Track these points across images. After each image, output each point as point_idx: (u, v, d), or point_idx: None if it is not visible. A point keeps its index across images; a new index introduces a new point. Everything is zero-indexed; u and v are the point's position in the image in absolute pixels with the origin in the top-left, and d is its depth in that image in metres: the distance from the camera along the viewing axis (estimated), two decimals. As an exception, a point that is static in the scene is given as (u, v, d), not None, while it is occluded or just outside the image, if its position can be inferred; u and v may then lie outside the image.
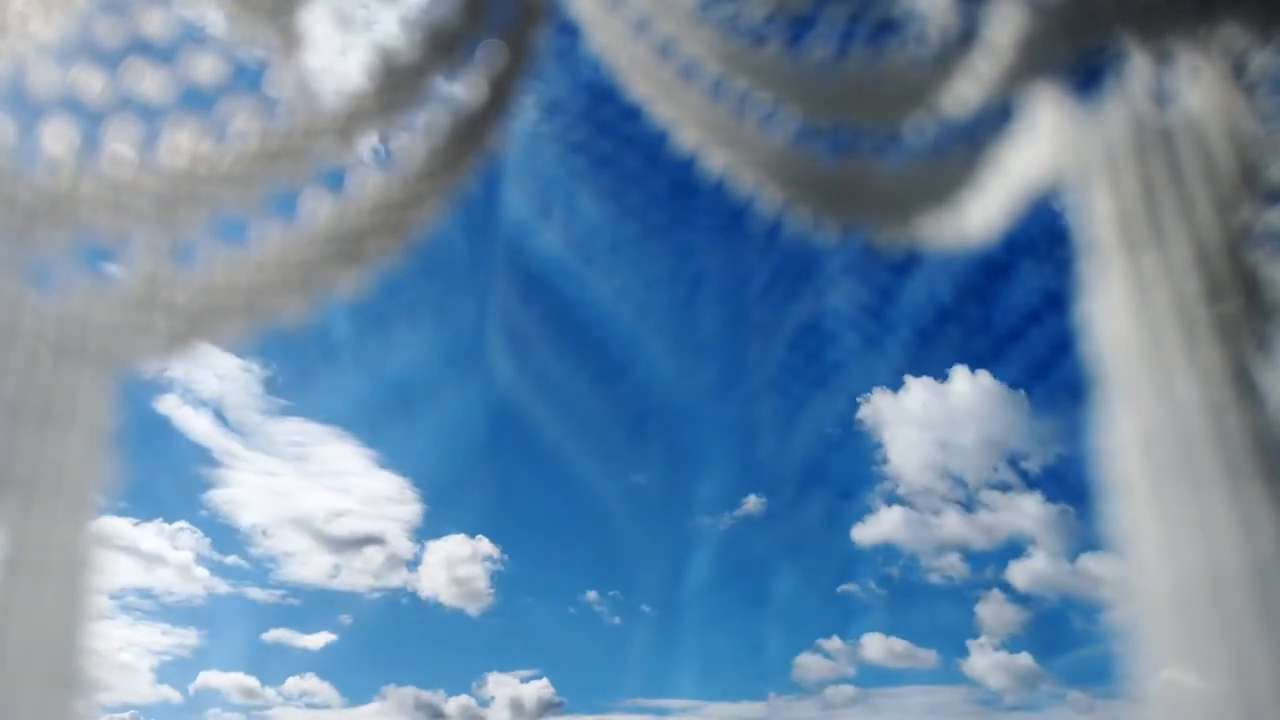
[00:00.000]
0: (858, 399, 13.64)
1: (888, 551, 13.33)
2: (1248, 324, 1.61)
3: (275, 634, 13.10)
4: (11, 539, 1.61)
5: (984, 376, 13.46)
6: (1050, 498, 13.03)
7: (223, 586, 13.09)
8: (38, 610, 1.61)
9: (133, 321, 1.82)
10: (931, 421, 13.56)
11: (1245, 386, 1.57)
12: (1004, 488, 13.24)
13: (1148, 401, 1.61)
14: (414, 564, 13.43)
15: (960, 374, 13.52)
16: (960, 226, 2.05)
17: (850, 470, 13.75)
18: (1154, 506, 1.56)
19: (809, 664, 13.01)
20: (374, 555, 13.42)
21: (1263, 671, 1.42)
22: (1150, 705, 1.52)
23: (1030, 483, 13.11)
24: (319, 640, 13.11)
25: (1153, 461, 1.58)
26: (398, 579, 13.38)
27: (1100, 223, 1.73)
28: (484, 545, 13.45)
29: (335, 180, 2.00)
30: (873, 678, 12.72)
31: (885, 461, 13.63)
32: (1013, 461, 13.25)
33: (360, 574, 13.38)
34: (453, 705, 12.80)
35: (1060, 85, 1.85)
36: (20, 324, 1.72)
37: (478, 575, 13.40)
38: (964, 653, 12.66)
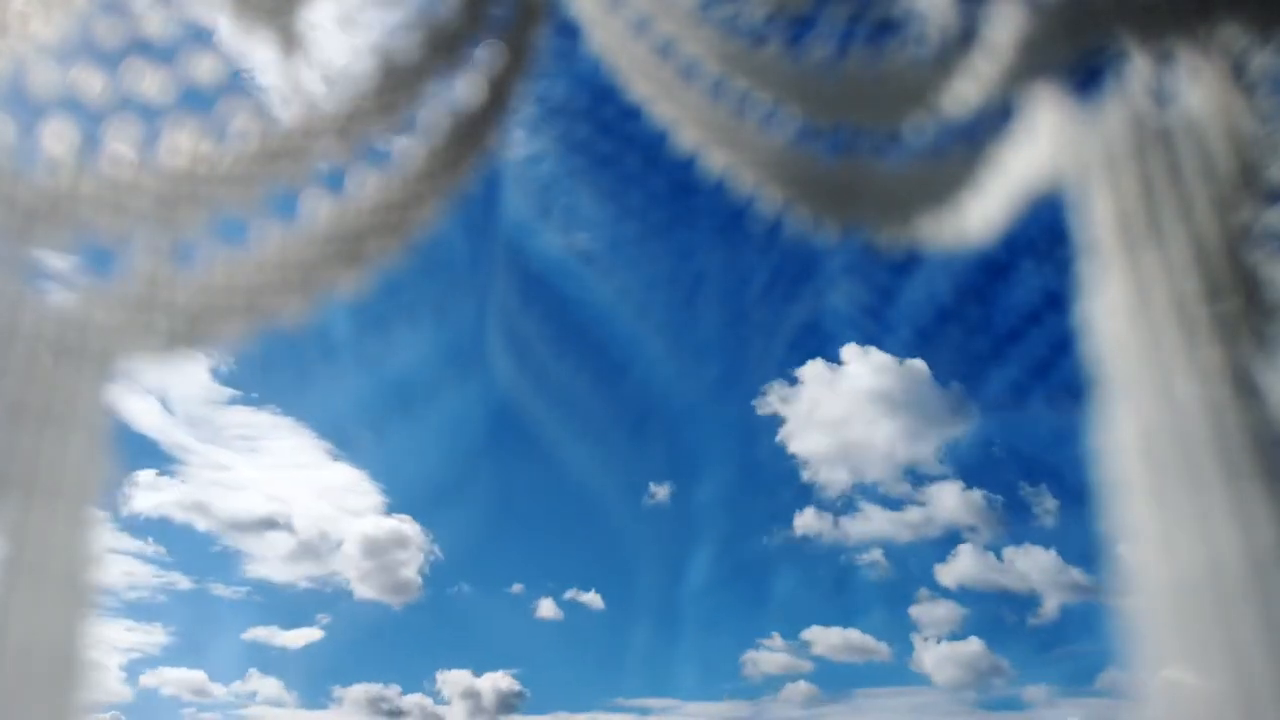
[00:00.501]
0: (753, 394, 13.28)
1: (811, 547, 13.14)
2: (1248, 324, 1.61)
3: (253, 632, 12.98)
4: (11, 539, 1.62)
5: (874, 352, 12.88)
6: (970, 484, 12.88)
7: (185, 583, 12.96)
8: (38, 610, 1.61)
9: (133, 321, 1.82)
10: (834, 408, 12.96)
11: (1245, 386, 1.57)
12: (923, 478, 12.91)
13: (1148, 401, 1.61)
14: (367, 559, 13.26)
15: (852, 353, 12.93)
16: (960, 226, 2.05)
17: (761, 464, 13.52)
18: (1154, 506, 1.56)
19: (760, 661, 12.79)
20: (337, 551, 13.20)
21: (1262, 670, 1.42)
22: (1149, 703, 1.52)
23: (946, 462, 12.85)
24: (299, 638, 12.97)
25: (1153, 461, 1.58)
26: (357, 575, 13.23)
27: (1100, 223, 1.73)
28: (426, 539, 13.25)
29: (335, 180, 2.00)
30: (829, 674, 12.56)
31: (794, 456, 13.17)
32: (929, 443, 12.93)
33: (322, 570, 13.22)
34: (408, 702, 12.63)
35: (1060, 85, 1.85)
36: (20, 324, 1.72)
37: (412, 567, 13.18)
38: (910, 647, 12.48)
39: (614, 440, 13.71)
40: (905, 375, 12.91)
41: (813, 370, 13.09)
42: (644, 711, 12.40)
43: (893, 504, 12.84)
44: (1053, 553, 12.37)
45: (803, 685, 12.30)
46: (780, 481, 13.23)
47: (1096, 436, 1.67)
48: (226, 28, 2.00)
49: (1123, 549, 1.60)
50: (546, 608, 13.03)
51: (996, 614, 12.40)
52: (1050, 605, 12.21)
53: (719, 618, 13.05)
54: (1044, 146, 1.84)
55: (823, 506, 13.01)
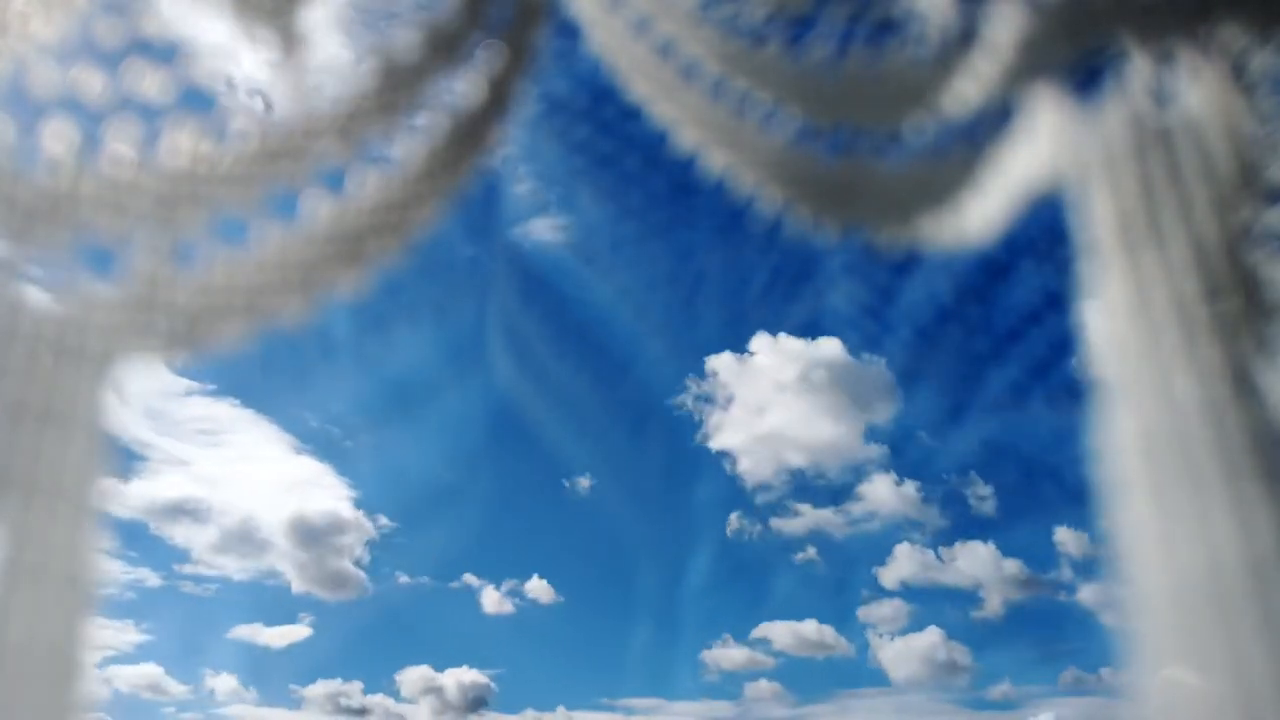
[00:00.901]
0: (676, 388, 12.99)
1: (746, 543, 12.99)
2: (1247, 324, 1.61)
3: (236, 631, 12.84)
4: (11, 539, 1.62)
5: (786, 339, 12.63)
6: (903, 475, 12.66)
7: (153, 579, 12.86)
8: (37, 610, 1.61)
9: (133, 321, 1.82)
10: (750, 399, 12.73)
11: (1245, 386, 1.57)
12: (854, 470, 12.65)
13: (1148, 401, 1.61)
14: (304, 551, 13.09)
15: (762, 342, 12.65)
16: (960, 226, 2.05)
17: (685, 459, 13.46)
18: (1154, 506, 1.56)
19: (720, 659, 12.49)
20: (281, 545, 13.00)
21: (1261, 670, 1.42)
22: (1148, 702, 1.52)
23: (878, 441, 12.67)
24: (281, 636, 12.81)
25: (1153, 461, 1.58)
26: (299, 569, 13.08)
27: (1100, 223, 1.73)
28: (377, 532, 13.09)
29: (335, 180, 2.00)
30: (791, 671, 12.43)
31: (718, 451, 12.97)
32: (862, 432, 12.59)
33: (266, 564, 13.03)
34: (370, 700, 12.40)
35: (1060, 85, 1.85)
36: (20, 324, 1.72)
37: (359, 560, 12.96)
38: (866, 643, 12.32)
39: (613, 440, 13.72)
40: (819, 357, 12.67)
41: (722, 362, 12.90)
42: (629, 711, 12.34)
43: (825, 497, 12.70)
44: (991, 546, 12.32)
45: (764, 684, 12.19)
46: (709, 477, 13.18)
47: (1097, 436, 1.67)
48: (227, 28, 2.00)
49: (1121, 548, 1.60)
50: (491, 600, 12.91)
51: (940, 609, 12.36)
52: (994, 601, 12.14)
53: (669, 616, 12.98)
54: (1044, 146, 1.84)
55: (750, 501, 12.90)
